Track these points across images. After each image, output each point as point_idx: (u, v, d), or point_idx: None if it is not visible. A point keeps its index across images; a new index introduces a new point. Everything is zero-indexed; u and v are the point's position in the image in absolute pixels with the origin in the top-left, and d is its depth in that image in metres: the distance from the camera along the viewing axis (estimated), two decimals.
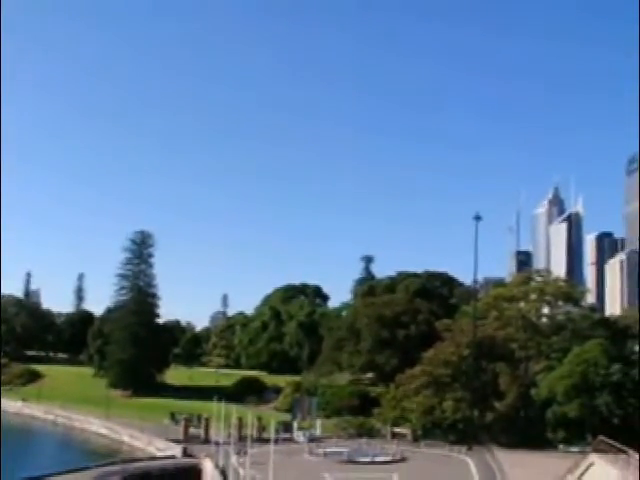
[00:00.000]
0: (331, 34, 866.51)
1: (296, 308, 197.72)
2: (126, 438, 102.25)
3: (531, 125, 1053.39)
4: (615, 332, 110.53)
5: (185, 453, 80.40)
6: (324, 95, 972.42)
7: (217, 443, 71.31)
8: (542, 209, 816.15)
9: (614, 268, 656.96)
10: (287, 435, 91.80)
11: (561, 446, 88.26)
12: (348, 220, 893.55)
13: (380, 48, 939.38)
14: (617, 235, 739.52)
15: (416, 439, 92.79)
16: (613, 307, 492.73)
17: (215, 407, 77.81)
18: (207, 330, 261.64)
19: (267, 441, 64.39)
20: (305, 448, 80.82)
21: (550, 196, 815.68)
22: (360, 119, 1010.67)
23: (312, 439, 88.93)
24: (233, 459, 67.08)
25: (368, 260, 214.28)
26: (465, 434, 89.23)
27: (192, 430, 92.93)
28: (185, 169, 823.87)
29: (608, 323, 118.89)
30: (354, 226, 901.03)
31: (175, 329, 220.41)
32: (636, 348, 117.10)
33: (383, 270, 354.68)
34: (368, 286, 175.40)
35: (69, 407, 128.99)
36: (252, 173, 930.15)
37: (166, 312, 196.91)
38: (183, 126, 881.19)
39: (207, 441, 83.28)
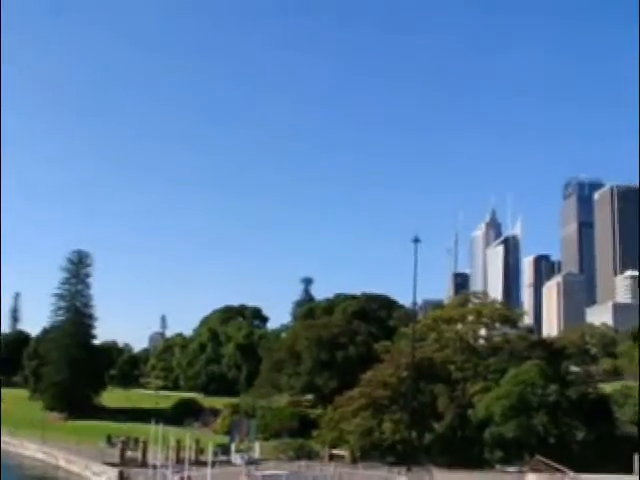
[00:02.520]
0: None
1: (234, 329, 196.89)
2: (62, 462, 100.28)
3: (468, 147, 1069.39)
4: (551, 353, 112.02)
5: (122, 477, 79.14)
6: (254, 106, 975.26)
7: (154, 466, 70.55)
8: (479, 231, 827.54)
9: (551, 290, 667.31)
10: (225, 458, 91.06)
11: (499, 466, 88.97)
12: (287, 241, 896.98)
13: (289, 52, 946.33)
14: (554, 258, 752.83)
15: (355, 461, 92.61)
16: (550, 328, 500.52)
17: (153, 429, 77.04)
18: (145, 351, 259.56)
19: (205, 464, 63.91)
20: (243, 471, 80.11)
21: (487, 219, 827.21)
22: (292, 133, 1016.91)
23: (250, 462, 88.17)
24: None
25: (307, 282, 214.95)
26: (404, 455, 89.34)
27: (129, 453, 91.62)
28: (124, 185, 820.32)
29: (545, 344, 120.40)
30: (293, 247, 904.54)
31: (112, 350, 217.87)
32: (572, 368, 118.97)
33: (322, 292, 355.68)
34: (307, 308, 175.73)
35: (3, 431, 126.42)
36: (191, 190, 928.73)
37: (104, 333, 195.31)
38: (123, 139, 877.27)
39: (144, 464, 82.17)
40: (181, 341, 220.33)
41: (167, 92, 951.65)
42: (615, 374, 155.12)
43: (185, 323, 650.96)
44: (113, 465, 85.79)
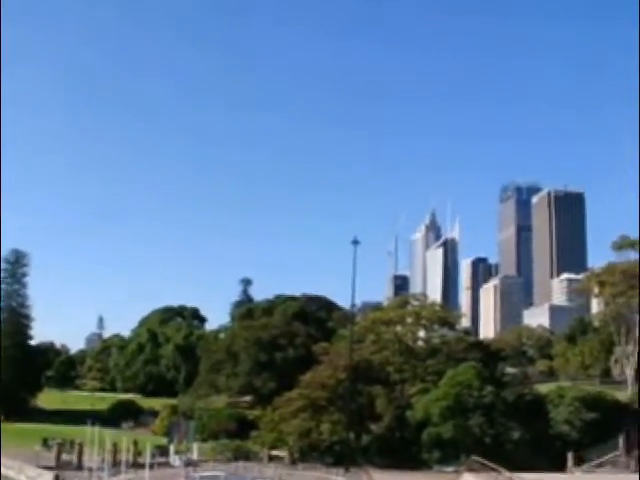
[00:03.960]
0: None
1: (173, 330, 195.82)
2: None
3: (409, 150, 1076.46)
4: (488, 355, 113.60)
5: None
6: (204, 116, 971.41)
7: (90, 469, 69.82)
8: (419, 234, 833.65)
9: (488, 292, 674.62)
10: (163, 459, 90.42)
11: (436, 466, 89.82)
12: (227, 242, 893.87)
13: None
14: (491, 260, 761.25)
15: (293, 462, 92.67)
16: (487, 330, 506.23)
17: (89, 432, 76.22)
18: (82, 352, 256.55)
19: (143, 466, 63.50)
20: (181, 472, 79.73)
21: (427, 222, 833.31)
22: (229, 137, 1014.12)
23: (189, 463, 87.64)
24: None
25: (246, 283, 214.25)
26: (342, 456, 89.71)
27: (65, 456, 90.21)
28: (61, 184, 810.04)
29: (481, 346, 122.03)
30: (233, 248, 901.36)
31: (49, 351, 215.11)
32: (508, 370, 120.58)
33: (262, 293, 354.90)
34: (246, 309, 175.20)
35: None
36: (128, 190, 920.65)
37: (40, 334, 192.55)
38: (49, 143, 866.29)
39: (80, 467, 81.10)
40: (119, 342, 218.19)
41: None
42: (550, 375, 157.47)
43: (123, 324, 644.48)
44: (48, 468, 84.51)
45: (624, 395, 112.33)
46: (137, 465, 74.07)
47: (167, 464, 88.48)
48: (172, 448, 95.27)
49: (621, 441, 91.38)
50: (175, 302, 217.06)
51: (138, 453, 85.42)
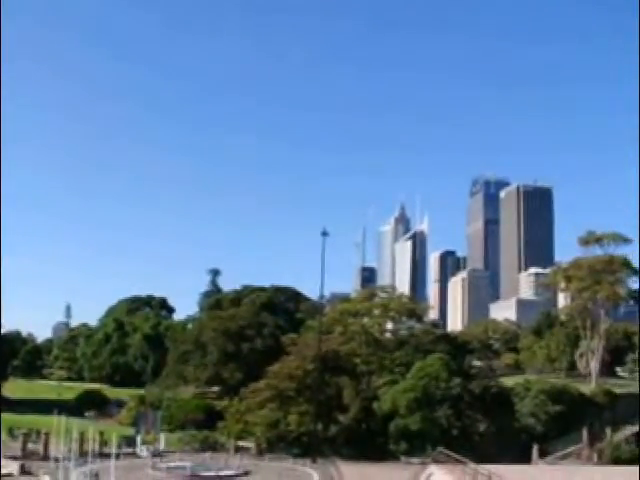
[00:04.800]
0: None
1: (141, 320, 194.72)
2: None
3: (378, 145, 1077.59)
4: (456, 347, 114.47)
5: (23, 470, 77.32)
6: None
7: (57, 459, 69.38)
8: (388, 227, 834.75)
9: (456, 285, 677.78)
10: (130, 450, 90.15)
11: (403, 457, 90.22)
12: (195, 232, 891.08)
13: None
14: (460, 254, 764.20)
15: (260, 453, 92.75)
16: (454, 323, 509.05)
17: (55, 421, 75.77)
18: (49, 341, 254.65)
19: (109, 456, 63.27)
20: (148, 463, 79.60)
21: (396, 214, 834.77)
22: (198, 118, 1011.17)
23: (155, 454, 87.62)
24: (73, 476, 65.46)
25: (215, 273, 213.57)
26: (309, 447, 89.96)
27: (31, 446, 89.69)
28: (27, 170, 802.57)
29: (449, 338, 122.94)
30: (201, 238, 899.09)
31: (15, 340, 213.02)
32: (475, 363, 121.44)
33: (231, 283, 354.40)
34: (215, 299, 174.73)
35: None
36: (95, 175, 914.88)
37: (6, 322, 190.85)
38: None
39: (46, 457, 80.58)
40: (86, 331, 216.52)
41: None
42: (517, 368, 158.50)
43: (91, 313, 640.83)
44: (14, 458, 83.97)
45: (589, 388, 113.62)
46: (103, 455, 73.65)
47: (134, 455, 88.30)
48: (139, 438, 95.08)
49: (585, 434, 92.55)
50: (143, 292, 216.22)
51: (104, 443, 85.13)
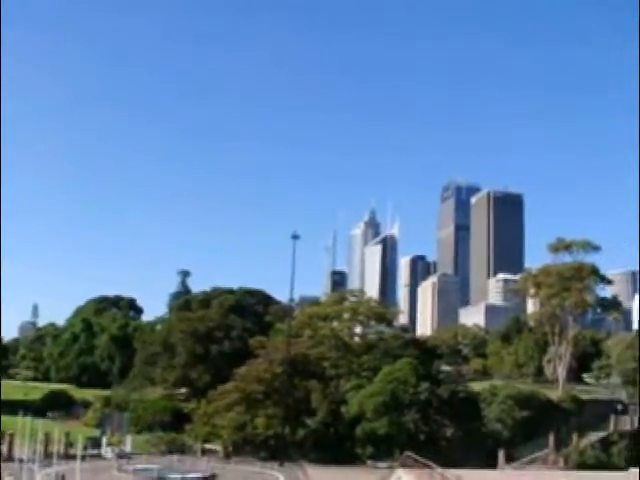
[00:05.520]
0: None
1: (109, 320, 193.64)
2: None
3: (349, 149, 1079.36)
4: (424, 352, 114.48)
5: None
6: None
7: (21, 460, 68.74)
8: (358, 230, 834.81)
9: (426, 290, 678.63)
10: (96, 451, 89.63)
11: (370, 462, 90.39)
12: (165, 232, 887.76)
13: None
14: (430, 259, 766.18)
15: (228, 455, 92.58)
16: (424, 328, 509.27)
17: (20, 422, 75.08)
18: (16, 341, 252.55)
19: (74, 458, 62.79)
20: (114, 465, 79.11)
21: (366, 218, 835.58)
22: (176, 123, 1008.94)
23: (121, 455, 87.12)
24: (38, 478, 64.81)
25: (185, 274, 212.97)
26: (277, 450, 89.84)
27: None
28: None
29: (418, 343, 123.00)
30: (171, 238, 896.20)
31: None
32: (444, 367, 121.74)
33: (200, 285, 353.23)
34: (184, 300, 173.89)
35: None
36: (63, 172, 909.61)
37: None
38: None
39: (11, 458, 79.87)
40: (53, 331, 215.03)
41: None
42: (485, 373, 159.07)
43: (58, 313, 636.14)
44: None
45: (555, 394, 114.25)
46: (69, 457, 73.11)
47: (100, 456, 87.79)
48: (105, 440, 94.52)
49: (551, 439, 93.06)
50: (111, 292, 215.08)
51: (70, 444, 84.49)
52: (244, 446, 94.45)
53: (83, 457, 66.08)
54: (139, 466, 78.58)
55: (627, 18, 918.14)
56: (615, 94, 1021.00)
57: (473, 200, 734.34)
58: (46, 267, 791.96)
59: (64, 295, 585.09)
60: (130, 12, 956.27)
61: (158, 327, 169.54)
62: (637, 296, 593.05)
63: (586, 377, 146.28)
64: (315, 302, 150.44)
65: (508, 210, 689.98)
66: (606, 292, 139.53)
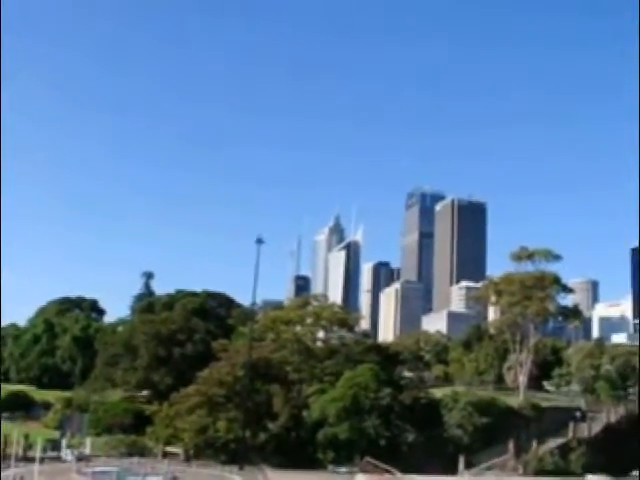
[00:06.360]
0: None
1: (71, 321, 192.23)
2: None
3: (315, 155, 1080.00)
4: (386, 357, 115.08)
5: None
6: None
7: None
8: (322, 236, 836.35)
9: (389, 296, 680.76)
10: (55, 454, 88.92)
11: (330, 466, 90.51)
12: (130, 232, 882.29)
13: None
14: (394, 265, 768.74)
15: (188, 459, 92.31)
16: (386, 334, 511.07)
17: None
18: None
19: (33, 460, 62.36)
20: (73, 467, 78.52)
21: (331, 224, 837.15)
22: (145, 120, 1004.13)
23: (81, 458, 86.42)
24: None
25: (148, 276, 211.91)
26: (237, 454, 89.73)
27: None
28: None
29: (380, 349, 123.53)
30: (135, 240, 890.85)
31: None
32: (406, 374, 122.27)
33: (164, 287, 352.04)
34: (147, 302, 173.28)
35: None
36: (29, 171, 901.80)
37: None
38: None
39: None
40: (14, 331, 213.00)
41: None
42: (446, 380, 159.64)
43: (19, 313, 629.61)
44: None
45: (516, 401, 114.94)
46: (27, 459, 72.53)
47: (59, 459, 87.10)
48: (64, 442, 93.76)
49: (511, 445, 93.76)
50: (73, 293, 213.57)
51: (29, 447, 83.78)
52: (205, 449, 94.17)
53: (42, 459, 65.53)
54: (98, 469, 78.00)
55: (621, 22, 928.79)
56: (584, 99, 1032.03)
57: (437, 207, 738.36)
58: (5, 266, 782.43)
59: (25, 295, 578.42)
60: (127, 17, 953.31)
61: (120, 329, 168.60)
62: (597, 305, 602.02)
63: (546, 385, 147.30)
64: (278, 306, 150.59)
65: (472, 218, 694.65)
66: (567, 301, 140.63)
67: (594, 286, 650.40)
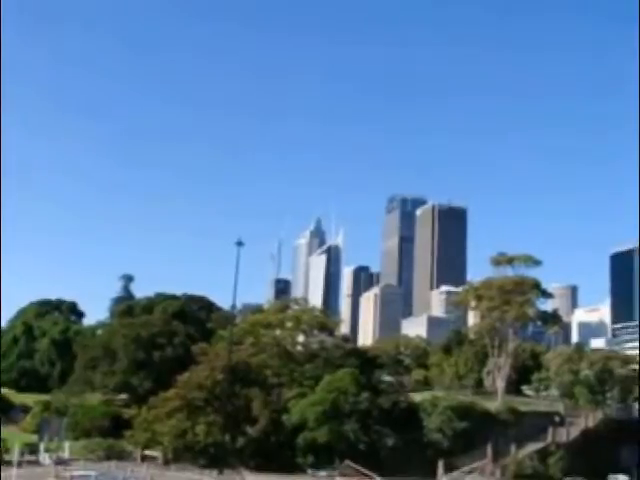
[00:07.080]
0: None
1: (50, 324, 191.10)
2: None
3: (295, 157, 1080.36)
4: (365, 362, 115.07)
5: None
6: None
7: None
8: (303, 240, 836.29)
9: (368, 301, 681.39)
10: (33, 458, 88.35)
11: (310, 470, 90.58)
12: (109, 236, 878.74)
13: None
14: (374, 269, 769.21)
15: (167, 462, 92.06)
16: (366, 338, 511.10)
17: None
18: None
19: (10, 464, 61.91)
20: (51, 471, 78.05)
21: (312, 228, 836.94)
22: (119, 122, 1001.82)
23: (59, 462, 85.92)
24: None
25: (128, 279, 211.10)
26: (216, 458, 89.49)
27: None
28: None
29: (359, 353, 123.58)
30: (115, 243, 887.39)
31: None
32: (385, 378, 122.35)
33: (143, 290, 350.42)
34: (126, 305, 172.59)
35: None
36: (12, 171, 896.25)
37: None
38: None
39: None
40: None
41: None
42: (426, 384, 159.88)
43: None
44: None
45: (494, 405, 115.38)
46: (5, 463, 72.05)
47: (37, 463, 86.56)
48: (42, 446, 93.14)
49: (489, 449, 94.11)
50: (52, 295, 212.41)
51: (6, 450, 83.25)
52: (184, 453, 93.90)
53: (20, 463, 65.11)
54: (76, 472, 77.59)
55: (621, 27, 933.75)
56: (563, 103, 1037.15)
57: (418, 212, 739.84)
58: None
59: (4, 297, 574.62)
60: (114, 22, 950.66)
61: (99, 332, 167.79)
62: (576, 310, 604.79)
63: (525, 389, 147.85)
64: (258, 310, 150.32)
65: (452, 223, 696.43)
66: (546, 306, 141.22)
67: (573, 291, 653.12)
